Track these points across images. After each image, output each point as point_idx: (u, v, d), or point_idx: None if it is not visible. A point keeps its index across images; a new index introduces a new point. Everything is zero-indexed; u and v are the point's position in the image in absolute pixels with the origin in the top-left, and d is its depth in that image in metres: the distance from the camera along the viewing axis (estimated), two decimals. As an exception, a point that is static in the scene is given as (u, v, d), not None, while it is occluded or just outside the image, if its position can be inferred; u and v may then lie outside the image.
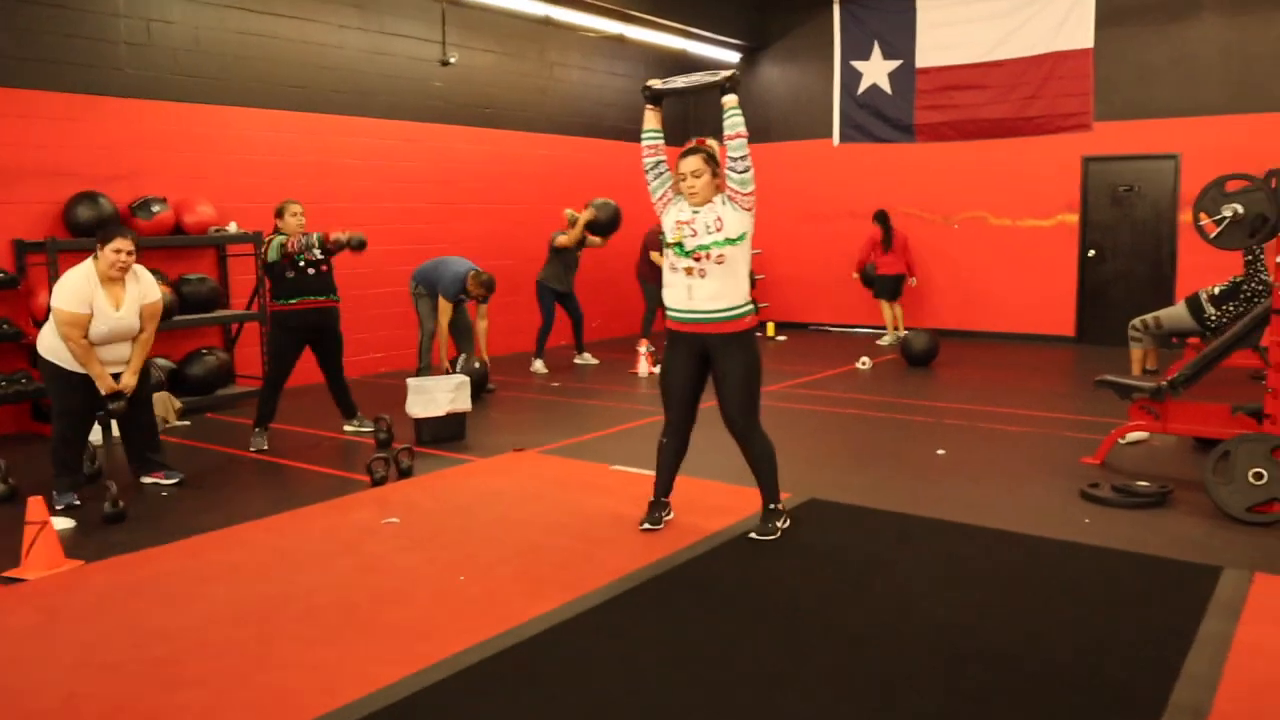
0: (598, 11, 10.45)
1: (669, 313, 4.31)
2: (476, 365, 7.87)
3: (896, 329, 11.19)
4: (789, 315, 12.82)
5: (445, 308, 8.02)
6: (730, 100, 4.17)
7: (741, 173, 4.10)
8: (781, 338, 12.03)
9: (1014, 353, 10.61)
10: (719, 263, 4.09)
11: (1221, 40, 10.30)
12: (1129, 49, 10.70)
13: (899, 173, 12.09)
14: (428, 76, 9.89)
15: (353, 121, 9.23)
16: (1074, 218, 11.25)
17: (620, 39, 11.59)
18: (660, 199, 4.31)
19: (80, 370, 4.94)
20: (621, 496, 4.96)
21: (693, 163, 4.13)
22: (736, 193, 4.13)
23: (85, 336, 4.88)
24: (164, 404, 7.04)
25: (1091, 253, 11.26)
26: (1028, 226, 11.52)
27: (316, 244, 6.09)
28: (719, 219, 4.11)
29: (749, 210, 4.16)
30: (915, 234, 11.97)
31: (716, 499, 4.90)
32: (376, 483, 5.26)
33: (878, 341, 11.32)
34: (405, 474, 5.48)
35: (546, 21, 10.77)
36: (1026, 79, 11.20)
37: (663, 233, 4.32)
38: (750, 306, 4.24)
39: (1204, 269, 10.36)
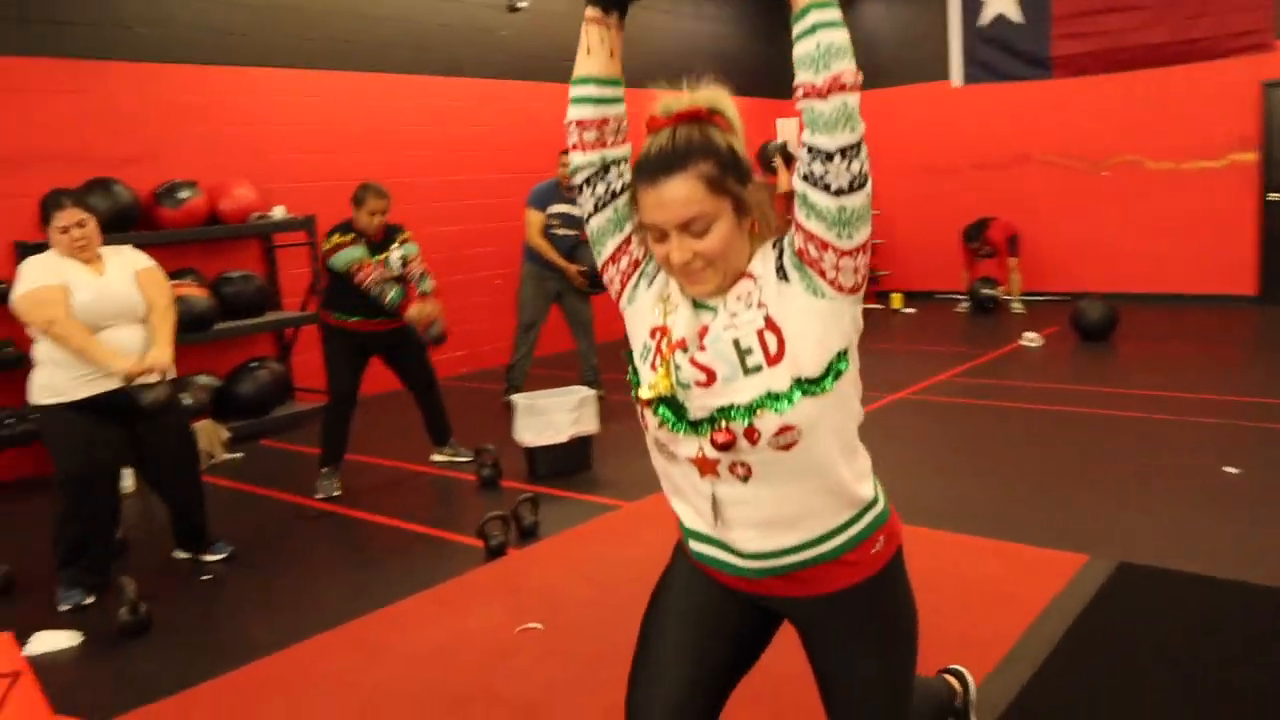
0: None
1: (684, 529, 1.70)
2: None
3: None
4: (910, 284, 11.20)
5: (533, 220, 6.33)
6: None
7: (844, 191, 1.42)
8: (910, 310, 10.46)
9: (1191, 319, 8.96)
10: (783, 447, 1.49)
11: None
12: (1319, -51, 8.91)
13: (1033, 114, 10.39)
14: (494, 25, 8.41)
15: (409, 80, 7.78)
16: (1251, 156, 9.52)
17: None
18: (615, 254, 1.65)
19: (88, 420, 3.55)
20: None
21: (679, 191, 1.49)
22: (829, 245, 1.45)
23: (71, 318, 3.48)
24: (209, 435, 5.69)
25: (1274, 196, 9.56)
26: (1193, 169, 9.81)
27: (391, 304, 4.71)
28: (770, 322, 1.51)
29: (855, 291, 1.51)
30: (1057, 184, 10.34)
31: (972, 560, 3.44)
32: (493, 552, 3.85)
33: (1012, 309, 9.76)
34: (529, 534, 4.06)
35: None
36: (1188, -6, 9.52)
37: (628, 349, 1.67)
38: (878, 511, 1.63)
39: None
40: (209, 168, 6.52)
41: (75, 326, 3.46)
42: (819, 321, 1.49)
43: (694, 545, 1.66)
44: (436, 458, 5.38)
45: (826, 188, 1.42)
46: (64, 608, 3.56)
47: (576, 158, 1.62)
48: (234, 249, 6.80)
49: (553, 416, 4.79)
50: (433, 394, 5.22)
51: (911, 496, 4.28)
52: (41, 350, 3.55)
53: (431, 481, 5.12)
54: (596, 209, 1.63)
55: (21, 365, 5.37)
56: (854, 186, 1.42)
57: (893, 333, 9.13)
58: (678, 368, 1.53)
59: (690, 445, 1.54)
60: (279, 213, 6.72)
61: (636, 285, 1.64)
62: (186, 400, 5.75)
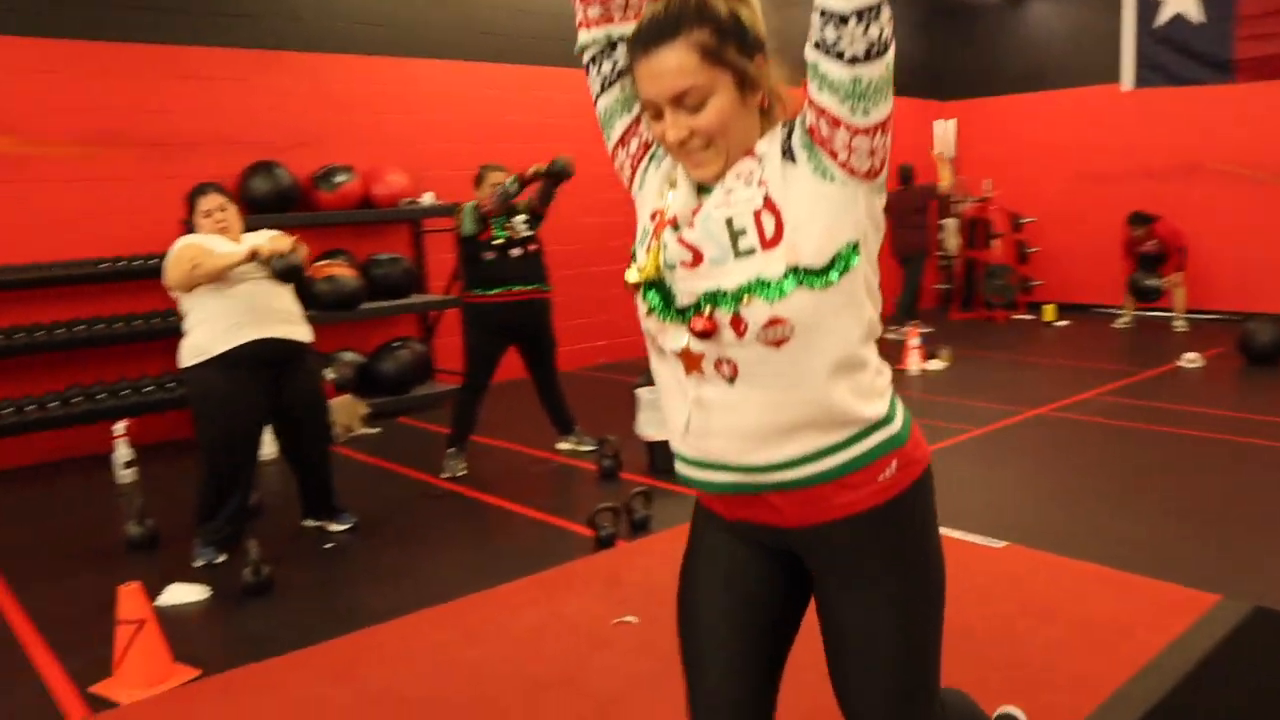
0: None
1: (675, 454, 1.54)
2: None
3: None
4: (1065, 295, 10.71)
5: None
6: None
7: (859, 59, 1.27)
8: (1063, 322, 10.01)
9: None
10: (773, 343, 1.35)
11: None
12: None
13: (1208, 120, 9.77)
14: (646, 20, 8.46)
15: (563, 74, 7.93)
16: None
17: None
18: (624, 137, 1.56)
19: (230, 383, 3.76)
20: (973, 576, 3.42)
21: (670, 61, 1.35)
22: (841, 121, 1.31)
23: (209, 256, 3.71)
24: (349, 410, 5.97)
25: None
26: (1392, 183, 9.05)
27: (514, 189, 4.79)
28: (769, 203, 1.36)
29: (872, 176, 1.37)
30: (1232, 196, 9.70)
31: (1090, 593, 3.28)
32: (602, 542, 3.91)
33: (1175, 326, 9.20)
34: (640, 527, 4.10)
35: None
36: (1396, -7, 8.73)
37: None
38: (892, 432, 1.44)
39: None
40: (365, 154, 6.82)
41: (212, 256, 3.66)
42: (827, 207, 1.35)
43: (680, 469, 1.52)
44: (561, 446, 5.49)
45: (839, 55, 1.28)
46: (197, 564, 3.81)
47: (582, 35, 1.54)
48: (384, 232, 7.09)
49: (673, 412, 4.79)
50: (554, 385, 5.33)
51: (1036, 517, 4.14)
52: (191, 317, 3.79)
53: (554, 469, 5.23)
54: (603, 88, 1.54)
55: (181, 335, 5.77)
56: (871, 54, 1.27)
57: (1043, 346, 8.76)
58: (665, 246, 1.43)
59: (678, 336, 1.42)
60: (429, 199, 6.97)
61: (646, 169, 1.55)
62: (330, 374, 6.05)
